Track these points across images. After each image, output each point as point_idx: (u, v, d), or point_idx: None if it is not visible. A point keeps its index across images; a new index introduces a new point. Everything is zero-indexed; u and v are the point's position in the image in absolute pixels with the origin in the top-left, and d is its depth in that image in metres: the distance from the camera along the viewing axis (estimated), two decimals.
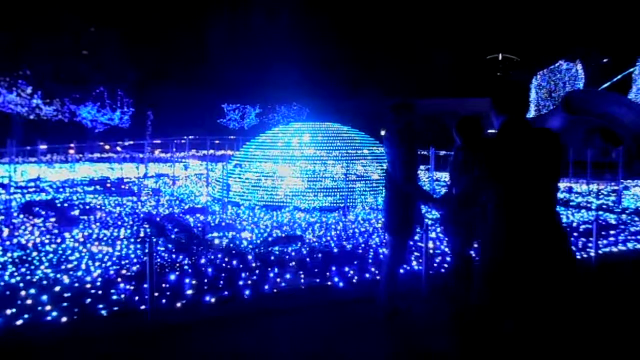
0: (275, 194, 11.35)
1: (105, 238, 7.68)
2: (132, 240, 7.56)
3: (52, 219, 9.10)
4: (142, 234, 8.05)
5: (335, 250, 7.03)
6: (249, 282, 5.58)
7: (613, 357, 4.01)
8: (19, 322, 4.43)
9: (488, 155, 2.90)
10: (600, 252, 7.09)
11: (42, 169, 21.76)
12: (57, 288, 5.22)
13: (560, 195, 14.49)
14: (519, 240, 2.80)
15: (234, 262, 6.28)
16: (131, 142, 29.04)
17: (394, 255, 4.60)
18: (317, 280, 5.78)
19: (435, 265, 6.35)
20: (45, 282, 5.45)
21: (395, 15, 71.22)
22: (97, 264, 6.17)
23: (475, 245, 7.17)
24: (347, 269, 6.06)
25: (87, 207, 10.65)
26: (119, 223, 9.01)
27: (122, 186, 15.42)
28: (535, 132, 2.92)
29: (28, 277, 5.59)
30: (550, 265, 2.79)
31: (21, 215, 9.53)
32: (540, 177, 2.85)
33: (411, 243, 5.33)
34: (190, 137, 28.34)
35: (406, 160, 4.36)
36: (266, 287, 5.42)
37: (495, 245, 2.87)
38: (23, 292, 5.06)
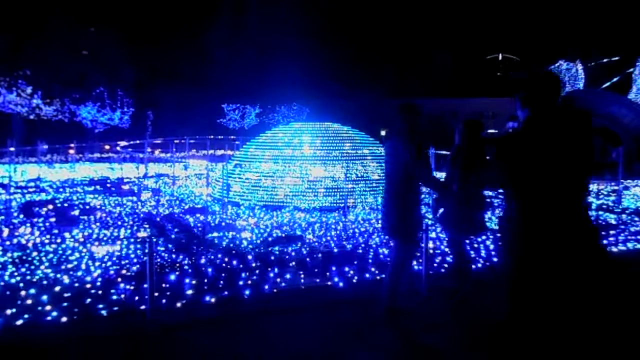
0: (275, 194, 11.35)
1: (105, 238, 7.68)
2: (132, 240, 7.56)
3: (52, 219, 9.10)
4: (142, 233, 8.04)
5: (335, 250, 7.02)
6: (249, 282, 5.58)
7: (614, 357, 4.00)
8: (19, 322, 4.43)
9: (506, 151, 2.70)
10: None
11: (42, 169, 21.75)
12: (57, 288, 5.22)
13: None
14: (547, 239, 2.61)
15: (234, 262, 6.28)
16: (131, 142, 29.06)
17: (398, 257, 4.61)
18: (317, 280, 5.78)
19: (435, 265, 6.34)
20: (45, 282, 5.45)
21: (396, 15, 71.24)
22: (97, 264, 6.17)
23: (475, 244, 7.19)
24: (347, 269, 6.06)
25: (87, 207, 10.65)
26: (119, 223, 9.01)
27: (123, 186, 15.40)
28: (565, 122, 2.69)
29: (28, 277, 5.60)
30: (584, 264, 2.62)
31: (21, 215, 9.53)
32: (567, 171, 2.65)
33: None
34: (188, 137, 28.38)
35: (421, 160, 4.40)
36: (266, 287, 5.42)
37: (522, 246, 2.69)
38: (23, 292, 5.07)
